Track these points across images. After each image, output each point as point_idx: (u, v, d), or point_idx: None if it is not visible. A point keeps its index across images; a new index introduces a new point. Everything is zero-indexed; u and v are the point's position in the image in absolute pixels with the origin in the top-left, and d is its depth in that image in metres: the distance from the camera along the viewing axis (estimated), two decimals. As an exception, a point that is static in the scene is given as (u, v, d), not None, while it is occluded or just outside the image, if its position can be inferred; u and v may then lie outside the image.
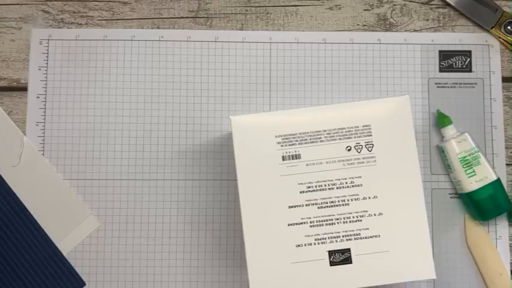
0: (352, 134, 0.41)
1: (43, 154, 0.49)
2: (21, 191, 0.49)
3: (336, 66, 0.51)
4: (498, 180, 0.47)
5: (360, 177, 0.40)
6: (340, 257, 0.40)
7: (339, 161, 0.40)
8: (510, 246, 0.49)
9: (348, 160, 0.40)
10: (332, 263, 0.39)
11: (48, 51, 0.51)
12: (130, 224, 0.49)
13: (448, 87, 0.51)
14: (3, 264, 0.47)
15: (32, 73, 0.50)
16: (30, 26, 0.51)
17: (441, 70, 0.51)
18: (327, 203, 0.40)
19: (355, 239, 0.40)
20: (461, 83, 0.51)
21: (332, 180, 0.40)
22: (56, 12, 0.51)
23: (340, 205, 0.40)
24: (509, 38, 0.51)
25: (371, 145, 0.41)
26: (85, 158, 0.50)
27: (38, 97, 0.50)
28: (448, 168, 0.49)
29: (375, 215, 0.40)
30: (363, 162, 0.40)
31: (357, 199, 0.40)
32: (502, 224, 0.49)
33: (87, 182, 0.49)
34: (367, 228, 0.40)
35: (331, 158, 0.40)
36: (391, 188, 0.40)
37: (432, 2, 0.52)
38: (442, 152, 0.49)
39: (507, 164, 0.50)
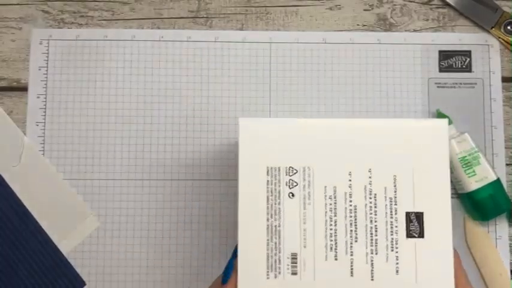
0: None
1: (43, 154, 0.49)
2: (21, 191, 0.49)
3: (336, 66, 0.51)
4: (498, 180, 0.47)
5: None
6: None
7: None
8: (510, 246, 0.49)
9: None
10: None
11: (49, 51, 0.51)
12: (130, 224, 0.49)
13: (448, 87, 0.51)
14: (3, 264, 0.47)
15: (32, 73, 0.50)
16: (31, 26, 0.51)
17: (441, 70, 0.51)
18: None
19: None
20: (461, 83, 0.51)
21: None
22: (56, 13, 0.51)
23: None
24: (509, 38, 0.51)
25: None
26: (85, 158, 0.50)
27: (38, 97, 0.50)
28: None
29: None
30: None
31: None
32: (502, 224, 0.49)
33: (87, 182, 0.49)
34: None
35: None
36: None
37: (432, 2, 0.52)
38: None
39: (507, 164, 0.50)
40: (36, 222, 0.48)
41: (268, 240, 0.36)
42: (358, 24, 0.52)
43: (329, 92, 0.51)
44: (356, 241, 0.36)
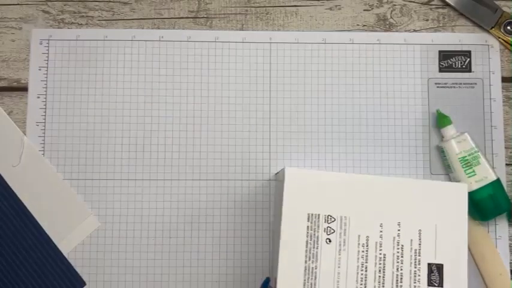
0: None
1: (43, 154, 0.49)
2: (22, 191, 0.49)
3: (335, 66, 0.51)
4: (498, 180, 0.47)
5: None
6: None
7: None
8: (510, 246, 0.49)
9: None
10: None
11: (49, 52, 0.51)
12: (130, 224, 0.49)
13: (448, 87, 0.51)
14: (3, 264, 0.47)
15: (32, 73, 0.50)
16: (31, 26, 0.51)
17: (441, 70, 0.51)
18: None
19: None
20: (461, 83, 0.51)
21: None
22: (56, 13, 0.51)
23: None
24: (508, 38, 0.51)
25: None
26: (85, 158, 0.50)
27: (38, 97, 0.50)
28: (448, 168, 0.49)
29: None
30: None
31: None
32: (502, 224, 0.49)
33: (87, 182, 0.49)
34: None
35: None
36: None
37: (432, 2, 0.52)
38: (442, 152, 0.49)
39: (507, 164, 0.50)
40: (37, 222, 0.48)
41: (305, 280, 0.39)
42: (358, 24, 0.52)
43: (329, 92, 0.51)
44: (383, 286, 0.40)
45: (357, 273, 0.40)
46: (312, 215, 0.40)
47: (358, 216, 0.40)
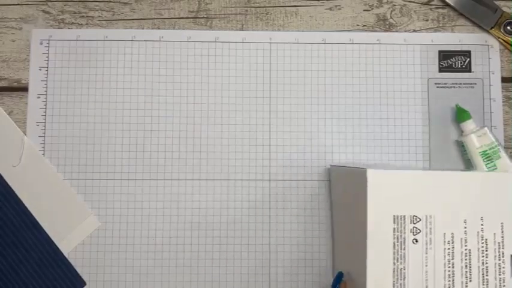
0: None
1: (43, 154, 0.49)
2: (22, 191, 0.49)
3: (335, 66, 0.51)
4: None
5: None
6: None
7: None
8: None
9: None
10: None
11: (49, 52, 0.51)
12: (130, 224, 0.49)
13: (448, 87, 0.51)
14: (4, 264, 0.47)
15: (33, 73, 0.51)
16: (31, 26, 0.51)
17: (441, 70, 0.51)
18: None
19: None
20: (460, 83, 0.51)
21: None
22: (57, 13, 0.51)
23: None
24: (508, 38, 0.51)
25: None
26: (85, 158, 0.50)
27: (38, 97, 0.50)
28: (468, 162, 0.49)
29: None
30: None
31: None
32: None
33: (87, 182, 0.49)
34: None
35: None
36: None
37: (432, 2, 0.52)
38: (462, 146, 0.49)
39: (507, 164, 0.50)
40: (37, 221, 0.48)
41: (394, 282, 0.40)
42: (358, 25, 0.52)
43: (329, 92, 0.51)
44: (470, 281, 0.40)
45: (444, 270, 0.40)
46: (398, 216, 0.40)
47: (443, 214, 0.40)
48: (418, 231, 0.40)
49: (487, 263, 0.40)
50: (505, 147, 0.50)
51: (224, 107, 0.50)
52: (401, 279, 0.40)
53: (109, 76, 0.51)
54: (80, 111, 0.50)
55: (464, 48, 0.52)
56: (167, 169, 0.50)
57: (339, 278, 0.43)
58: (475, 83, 0.51)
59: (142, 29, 0.51)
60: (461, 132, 0.49)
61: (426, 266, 0.40)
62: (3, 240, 0.47)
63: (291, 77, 0.51)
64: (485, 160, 0.47)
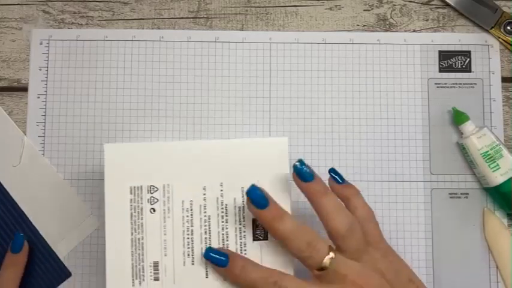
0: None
1: (43, 154, 0.49)
2: (22, 190, 0.49)
3: (335, 66, 0.51)
4: None
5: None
6: None
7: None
8: None
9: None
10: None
11: (49, 52, 0.51)
12: (130, 224, 0.49)
13: (448, 87, 0.51)
14: None
15: (33, 73, 0.51)
16: (31, 26, 0.51)
17: (441, 70, 0.51)
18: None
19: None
20: (460, 83, 0.51)
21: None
22: (57, 13, 0.51)
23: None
24: (508, 38, 0.51)
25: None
26: (85, 158, 0.50)
27: (38, 97, 0.50)
28: (470, 164, 0.49)
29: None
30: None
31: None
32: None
33: (87, 182, 0.49)
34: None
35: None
36: None
37: (432, 2, 0.52)
38: (462, 148, 0.49)
39: (507, 164, 0.50)
40: (24, 213, 0.48)
41: (132, 251, 0.41)
42: (358, 25, 0.52)
43: (329, 92, 0.51)
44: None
45: (183, 237, 0.41)
46: (135, 187, 0.41)
47: (181, 183, 0.41)
48: (156, 200, 0.41)
49: (227, 228, 0.41)
50: (505, 147, 0.50)
51: (224, 107, 0.50)
52: (139, 249, 0.40)
53: (109, 76, 0.51)
54: (80, 111, 0.50)
55: (464, 48, 0.52)
56: (167, 169, 0.50)
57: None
58: (475, 83, 0.51)
59: (142, 29, 0.51)
60: (460, 134, 0.49)
61: (165, 234, 0.41)
62: None
63: (291, 77, 0.51)
64: (487, 161, 0.47)
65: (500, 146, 0.47)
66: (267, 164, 0.41)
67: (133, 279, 0.40)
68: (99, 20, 0.51)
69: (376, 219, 0.41)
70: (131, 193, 0.41)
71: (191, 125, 0.50)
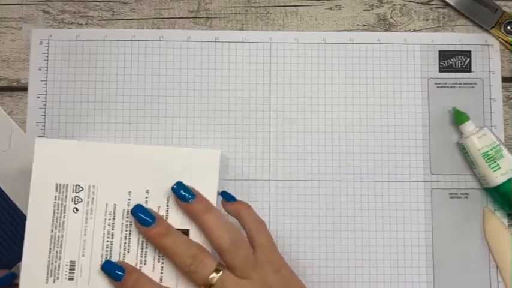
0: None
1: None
2: (13, 174, 0.48)
3: (335, 66, 0.51)
4: None
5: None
6: None
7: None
8: None
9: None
10: None
11: (49, 51, 0.51)
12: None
13: (448, 87, 0.51)
14: None
15: (32, 73, 0.50)
16: (31, 26, 0.51)
17: (441, 70, 0.51)
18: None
19: None
20: (461, 83, 0.51)
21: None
22: (56, 13, 0.51)
23: None
24: (509, 38, 0.51)
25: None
26: (85, 158, 0.50)
27: (38, 97, 0.50)
28: (470, 164, 0.49)
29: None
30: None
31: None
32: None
33: (87, 182, 0.49)
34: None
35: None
36: None
37: (432, 2, 0.52)
38: (463, 149, 0.49)
39: (507, 164, 0.50)
40: (9, 199, 0.48)
41: (50, 249, 0.41)
42: (358, 24, 0.52)
43: (329, 92, 0.51)
44: (128, 252, 0.41)
45: (103, 240, 0.41)
46: (60, 185, 0.41)
47: (107, 185, 0.41)
48: (80, 200, 0.41)
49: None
50: (505, 147, 0.50)
51: (224, 107, 0.50)
52: (57, 247, 0.41)
53: (109, 76, 0.51)
54: (80, 111, 0.50)
55: (465, 48, 0.52)
56: (167, 169, 0.50)
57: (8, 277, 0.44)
58: (475, 83, 0.51)
59: (142, 28, 0.51)
60: (460, 134, 0.49)
61: (85, 235, 0.41)
62: None
63: (291, 77, 0.51)
64: (487, 161, 0.47)
65: (501, 146, 0.47)
66: (196, 175, 0.41)
67: (47, 276, 0.40)
68: (99, 20, 0.51)
69: (268, 231, 0.41)
70: (56, 190, 0.41)
71: (191, 125, 0.50)
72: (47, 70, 0.51)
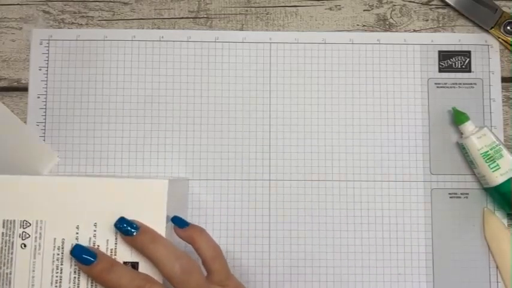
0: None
1: (43, 154, 0.49)
2: None
3: (335, 66, 0.51)
4: None
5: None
6: None
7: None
8: None
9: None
10: None
11: (49, 52, 0.51)
12: (130, 223, 0.49)
13: (448, 87, 0.51)
14: None
15: (33, 73, 0.51)
16: (31, 26, 0.51)
17: (441, 70, 0.51)
18: None
19: None
20: (460, 83, 0.51)
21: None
22: (57, 13, 0.51)
23: None
24: (508, 38, 0.51)
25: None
26: (85, 158, 0.50)
27: (38, 97, 0.50)
28: (470, 164, 0.49)
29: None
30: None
31: None
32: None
33: (87, 182, 0.49)
34: None
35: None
36: None
37: (432, 2, 0.52)
38: (462, 149, 0.49)
39: (507, 164, 0.50)
40: None
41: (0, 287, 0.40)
42: (358, 25, 0.52)
43: (329, 92, 0.51)
44: (78, 287, 0.40)
45: (52, 275, 0.40)
46: (7, 221, 0.40)
47: (54, 220, 0.40)
48: (27, 235, 0.40)
49: None
50: (505, 147, 0.50)
51: (224, 107, 0.50)
52: (6, 285, 0.40)
53: (109, 76, 0.51)
54: (80, 111, 0.50)
55: (464, 48, 0.52)
56: (167, 169, 0.50)
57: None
58: (475, 83, 0.51)
59: (142, 29, 0.51)
60: (460, 134, 0.49)
61: (33, 271, 0.40)
62: None
63: (291, 77, 0.51)
64: (487, 161, 0.47)
65: (500, 146, 0.47)
66: (144, 206, 0.41)
67: None
68: (99, 20, 0.51)
69: (222, 255, 0.41)
70: (3, 226, 0.40)
71: (191, 125, 0.50)
72: (47, 70, 0.51)
